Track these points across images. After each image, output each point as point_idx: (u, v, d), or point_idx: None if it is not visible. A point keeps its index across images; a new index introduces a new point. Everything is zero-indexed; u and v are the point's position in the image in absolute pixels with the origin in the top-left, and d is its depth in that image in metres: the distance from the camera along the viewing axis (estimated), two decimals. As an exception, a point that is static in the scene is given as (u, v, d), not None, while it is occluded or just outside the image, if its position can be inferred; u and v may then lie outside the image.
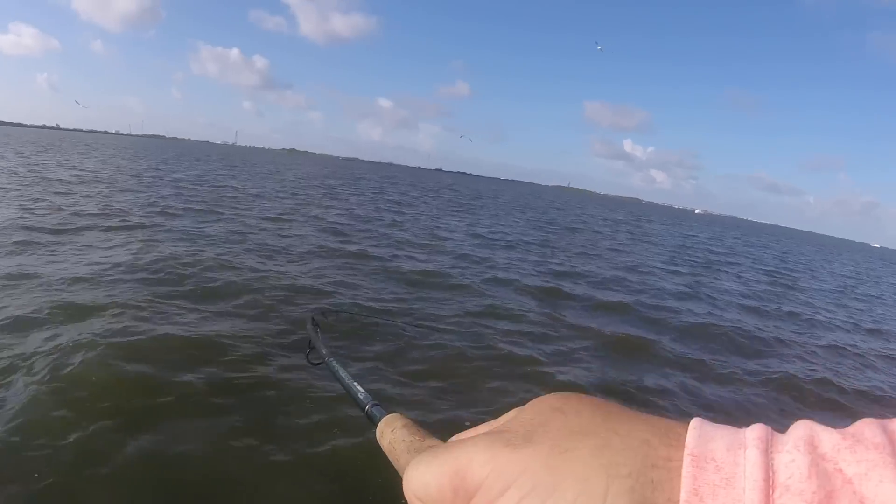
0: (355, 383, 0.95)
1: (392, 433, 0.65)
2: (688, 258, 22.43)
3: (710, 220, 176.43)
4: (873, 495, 0.31)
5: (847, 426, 0.36)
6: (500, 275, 11.36)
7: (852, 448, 0.33)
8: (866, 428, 0.35)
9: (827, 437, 0.35)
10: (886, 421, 0.36)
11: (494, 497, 0.40)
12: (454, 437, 0.53)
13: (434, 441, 0.58)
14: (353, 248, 12.10)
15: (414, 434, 0.62)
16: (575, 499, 0.36)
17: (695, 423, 0.39)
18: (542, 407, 0.45)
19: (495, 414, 0.51)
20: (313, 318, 1.71)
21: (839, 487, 0.32)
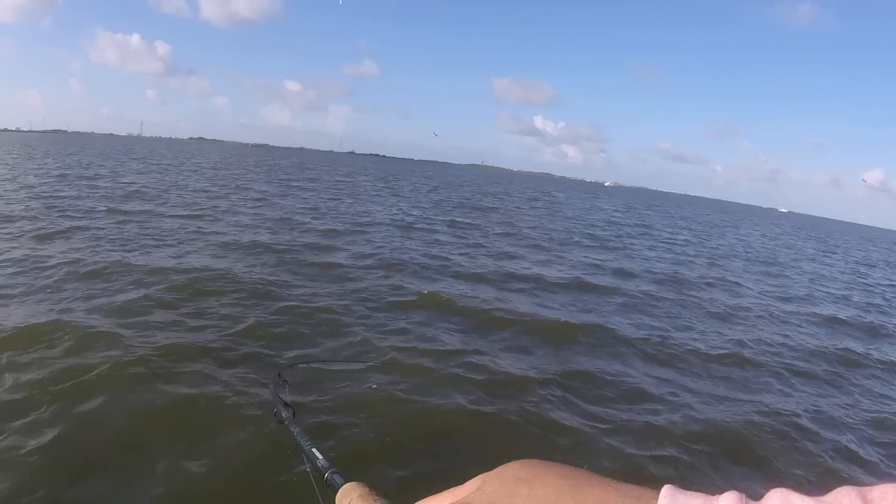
0: (314, 449, 1.00)
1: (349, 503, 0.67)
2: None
3: (620, 191, 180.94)
4: None
5: (823, 495, 0.37)
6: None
7: None
8: (844, 499, 0.35)
9: (799, 502, 0.35)
10: (865, 490, 0.35)
11: None
12: None
13: None
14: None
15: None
16: None
17: (665, 491, 0.38)
18: (506, 477, 0.44)
19: (459, 477, 0.54)
20: (279, 374, 1.84)
21: None
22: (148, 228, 12.98)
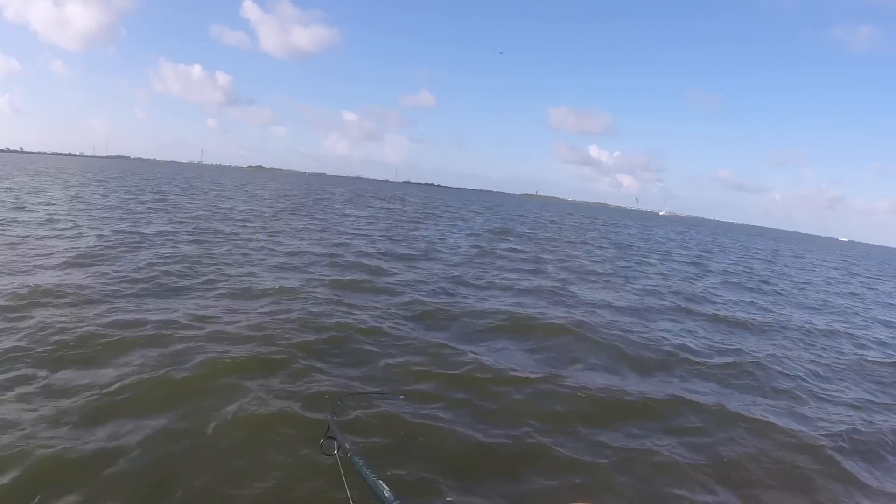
0: (380, 481, 0.98)
1: None
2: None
3: (674, 220, 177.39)
4: None
5: None
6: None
7: None
8: None
9: None
10: None
11: None
12: None
13: None
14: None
15: None
16: None
17: None
18: None
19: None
20: (333, 409, 1.85)
21: None
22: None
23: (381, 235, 21.45)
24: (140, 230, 16.14)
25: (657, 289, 15.68)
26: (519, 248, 22.56)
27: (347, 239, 19.04)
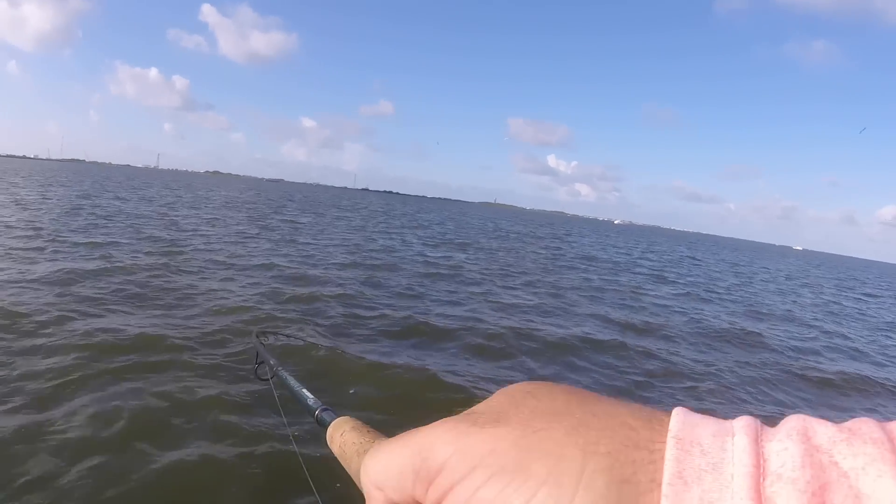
0: (304, 390, 0.97)
1: (341, 437, 0.63)
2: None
3: (629, 230, 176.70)
4: (871, 491, 0.29)
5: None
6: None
7: (849, 441, 0.31)
8: (863, 424, 0.33)
9: (822, 429, 0.33)
10: (883, 421, 0.34)
11: (458, 478, 0.37)
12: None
13: (386, 440, 0.52)
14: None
15: (363, 435, 0.61)
16: (546, 477, 0.34)
17: (678, 410, 0.37)
18: (512, 392, 0.43)
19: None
20: (257, 334, 1.82)
21: (834, 480, 0.30)
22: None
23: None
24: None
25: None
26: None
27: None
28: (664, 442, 0.34)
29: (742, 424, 0.34)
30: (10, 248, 11.20)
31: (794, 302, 20.35)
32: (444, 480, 0.38)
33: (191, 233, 17.86)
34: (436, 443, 0.39)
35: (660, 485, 0.32)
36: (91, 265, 10.27)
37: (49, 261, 10.43)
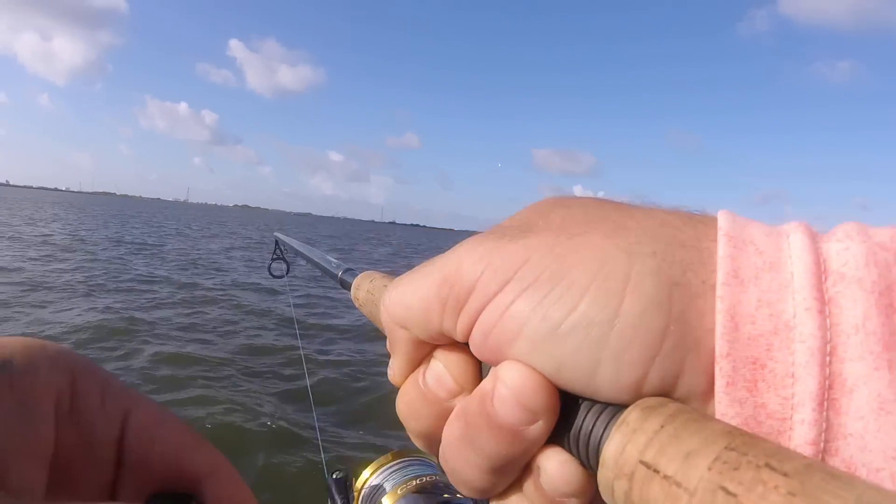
0: (326, 255, 0.93)
1: (371, 282, 0.61)
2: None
3: None
4: None
5: None
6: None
7: None
8: None
9: (881, 230, 0.29)
10: None
11: (490, 295, 0.32)
12: None
13: None
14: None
15: (386, 282, 0.57)
16: (589, 283, 0.30)
17: (723, 211, 0.32)
18: (539, 204, 0.38)
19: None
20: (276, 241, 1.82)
21: None
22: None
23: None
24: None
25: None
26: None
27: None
28: (713, 241, 0.30)
29: (796, 225, 0.30)
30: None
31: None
32: (475, 303, 0.32)
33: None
34: (462, 264, 0.34)
35: (713, 287, 0.28)
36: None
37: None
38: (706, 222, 0.32)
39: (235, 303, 11.50)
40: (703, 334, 0.28)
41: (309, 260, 1.02)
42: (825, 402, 0.25)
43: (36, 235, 21.71)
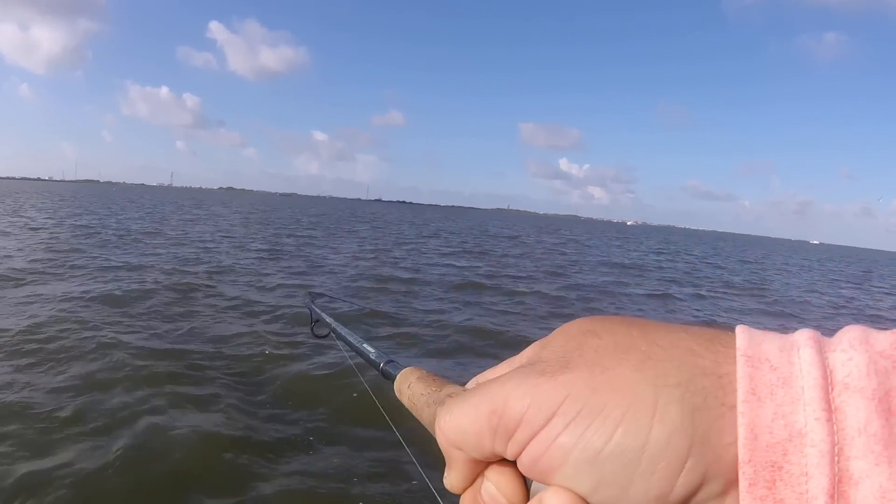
0: (365, 344, 0.97)
1: (409, 389, 0.65)
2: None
3: (644, 230, 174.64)
4: None
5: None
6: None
7: None
8: None
9: (882, 336, 0.34)
10: None
11: (538, 428, 0.38)
12: (472, 381, 0.52)
13: (452, 388, 0.55)
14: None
15: (430, 385, 0.61)
16: (623, 415, 0.35)
17: (741, 328, 0.37)
18: (571, 332, 0.43)
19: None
20: (311, 294, 1.84)
21: None
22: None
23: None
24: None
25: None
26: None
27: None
28: (731, 365, 0.35)
29: (806, 337, 0.36)
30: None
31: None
32: (523, 434, 0.39)
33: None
34: (509, 399, 0.40)
35: (731, 408, 0.34)
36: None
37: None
38: (726, 342, 0.37)
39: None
40: (723, 449, 0.33)
41: (349, 345, 1.07)
42: (836, 495, 0.30)
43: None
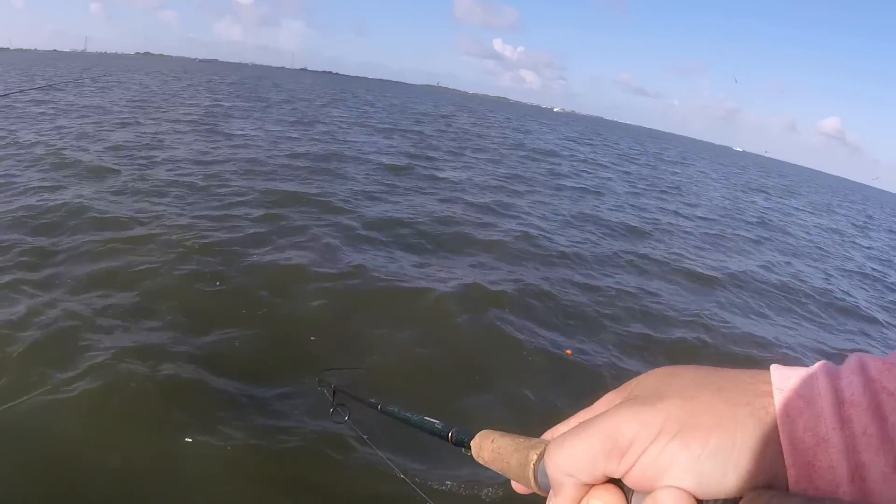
0: (425, 417, 1.00)
1: (493, 443, 0.73)
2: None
3: (571, 118, 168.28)
4: None
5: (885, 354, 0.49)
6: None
7: (891, 370, 0.45)
8: None
9: (873, 363, 0.47)
10: None
11: (647, 444, 0.49)
12: (548, 432, 0.65)
13: (535, 439, 0.65)
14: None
15: (514, 438, 0.69)
16: (712, 426, 0.47)
17: (773, 367, 0.51)
18: (657, 374, 0.57)
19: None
20: (322, 381, 1.78)
21: (885, 399, 0.44)
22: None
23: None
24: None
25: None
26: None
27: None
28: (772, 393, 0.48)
29: (821, 369, 0.49)
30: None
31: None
32: (635, 451, 0.49)
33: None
34: (621, 425, 0.51)
35: None
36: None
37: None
38: (765, 378, 0.50)
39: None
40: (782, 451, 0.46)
41: (407, 422, 1.08)
42: (854, 478, 0.43)
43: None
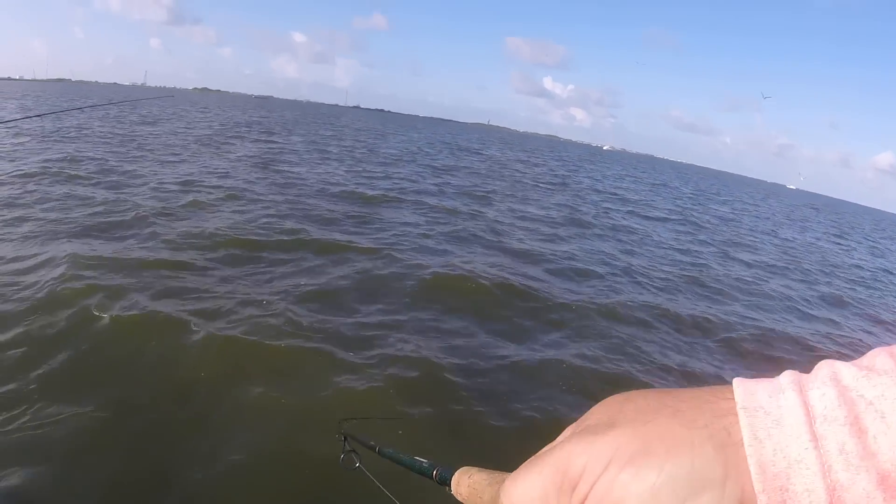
0: (415, 458, 1.04)
1: (470, 479, 0.73)
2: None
3: (619, 156, 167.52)
4: (891, 410, 0.40)
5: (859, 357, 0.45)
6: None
7: (868, 377, 0.42)
8: (877, 358, 0.44)
9: (846, 370, 0.44)
10: (893, 347, 0.45)
11: (597, 476, 0.46)
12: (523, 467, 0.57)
13: (507, 474, 0.60)
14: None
15: (490, 474, 0.70)
16: (667, 452, 0.44)
17: (736, 381, 0.47)
18: (609, 403, 0.53)
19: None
20: (343, 432, 1.80)
21: (864, 409, 0.40)
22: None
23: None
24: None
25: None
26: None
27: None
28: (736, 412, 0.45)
29: (788, 381, 0.46)
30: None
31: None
32: (585, 483, 0.47)
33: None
34: (570, 457, 0.48)
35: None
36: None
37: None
38: (727, 395, 0.47)
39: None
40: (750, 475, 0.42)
41: (398, 461, 1.12)
42: (833, 501, 0.39)
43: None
